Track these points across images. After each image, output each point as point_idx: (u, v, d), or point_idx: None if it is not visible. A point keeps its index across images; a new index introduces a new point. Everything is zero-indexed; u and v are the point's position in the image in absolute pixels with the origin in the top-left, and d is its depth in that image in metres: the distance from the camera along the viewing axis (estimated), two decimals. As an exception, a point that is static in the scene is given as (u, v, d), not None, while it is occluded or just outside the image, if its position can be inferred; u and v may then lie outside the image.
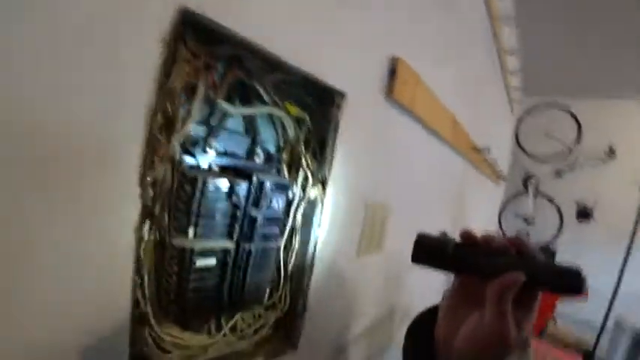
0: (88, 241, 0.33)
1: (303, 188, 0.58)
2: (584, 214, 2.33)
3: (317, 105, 0.59)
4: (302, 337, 0.65)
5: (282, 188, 0.53)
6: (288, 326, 0.64)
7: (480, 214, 2.10)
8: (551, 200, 2.54)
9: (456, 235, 0.32)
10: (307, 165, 0.58)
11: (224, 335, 0.54)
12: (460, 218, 1.56)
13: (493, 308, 0.29)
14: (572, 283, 0.28)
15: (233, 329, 0.56)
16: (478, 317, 0.31)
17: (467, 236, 0.32)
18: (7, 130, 0.27)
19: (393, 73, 0.69)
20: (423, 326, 0.36)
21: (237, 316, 0.56)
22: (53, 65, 0.28)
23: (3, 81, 0.26)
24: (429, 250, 0.32)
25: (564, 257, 2.25)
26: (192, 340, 0.50)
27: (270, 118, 0.57)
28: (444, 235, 0.34)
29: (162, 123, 0.40)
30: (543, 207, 2.57)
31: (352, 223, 0.72)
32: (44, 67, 0.28)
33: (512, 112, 2.46)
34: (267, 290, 0.59)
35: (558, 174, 2.48)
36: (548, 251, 2.24)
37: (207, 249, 0.46)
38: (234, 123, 0.53)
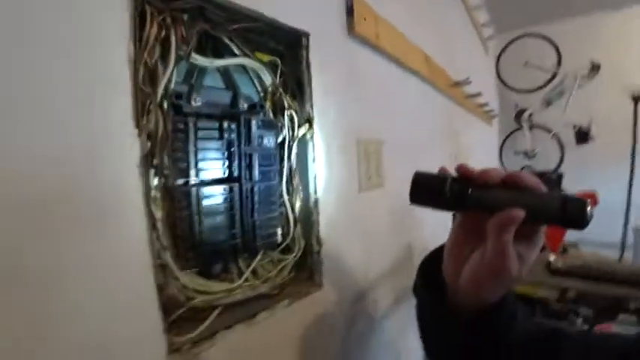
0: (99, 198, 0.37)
1: (291, 127, 0.62)
2: (582, 136, 2.34)
3: (285, 48, 0.62)
4: (324, 277, 0.68)
5: (270, 126, 0.56)
6: (308, 267, 0.68)
7: (478, 155, 2.12)
8: (548, 130, 2.55)
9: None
10: (289, 105, 0.61)
11: (246, 280, 0.58)
12: (460, 157, 1.59)
13: (493, 246, 0.28)
14: (574, 217, 0.26)
15: (254, 274, 0.59)
16: (479, 255, 0.30)
17: (463, 170, 0.30)
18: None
19: (350, 11, 0.71)
20: (434, 264, 0.36)
21: (256, 261, 0.60)
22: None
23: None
24: (427, 189, 0.31)
25: (571, 184, 2.27)
26: (215, 287, 0.53)
27: (245, 70, 0.60)
28: (443, 172, 0.32)
29: (145, 74, 0.43)
30: (541, 138, 2.59)
31: (346, 159, 0.75)
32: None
33: (487, 53, 2.47)
34: (279, 232, 0.62)
35: (548, 102, 2.49)
36: (555, 178, 2.25)
37: (211, 190, 0.49)
38: (213, 80, 0.56)
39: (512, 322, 0.33)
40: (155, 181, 0.44)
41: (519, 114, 2.60)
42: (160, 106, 0.45)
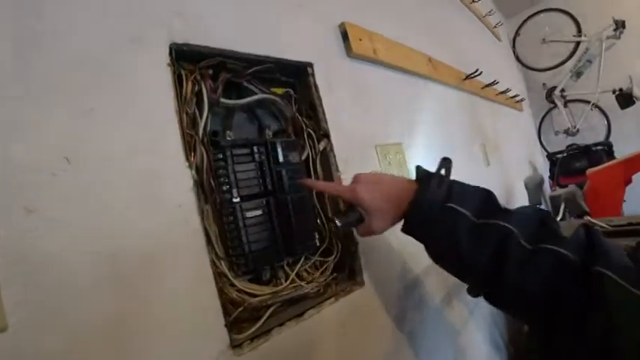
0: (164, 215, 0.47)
1: (312, 144, 0.70)
2: (625, 99, 2.16)
3: (295, 79, 0.73)
4: (365, 275, 0.73)
5: (293, 145, 0.65)
6: (348, 267, 0.73)
7: (512, 142, 2.04)
8: (586, 102, 2.40)
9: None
10: (307, 125, 0.71)
11: (292, 282, 0.64)
12: (488, 146, 1.57)
13: None
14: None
15: (299, 277, 0.66)
16: None
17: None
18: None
19: (345, 36, 0.81)
20: None
21: (299, 265, 0.66)
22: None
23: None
24: None
25: (626, 151, 2.08)
26: (266, 290, 0.60)
27: (265, 104, 0.71)
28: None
29: (188, 121, 0.55)
30: (581, 113, 2.43)
31: (369, 164, 0.81)
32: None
33: (500, 40, 2.44)
34: (317, 236, 0.69)
35: (578, 74, 2.36)
36: (603, 150, 2.08)
37: (251, 204, 0.58)
38: (241, 118, 0.68)
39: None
40: (206, 202, 0.55)
41: (550, 93, 2.49)
42: (203, 143, 0.56)
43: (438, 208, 0.38)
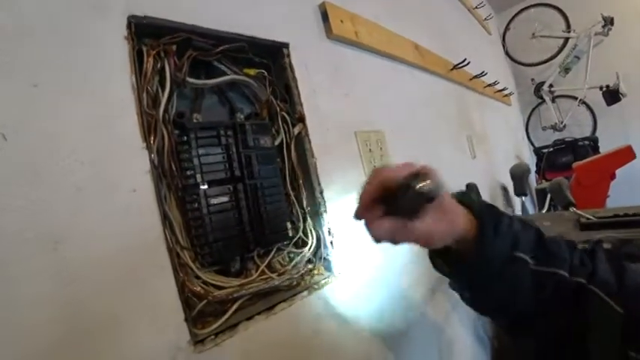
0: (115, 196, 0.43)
1: (286, 127, 0.67)
2: (612, 95, 2.17)
3: (270, 60, 0.69)
4: (341, 267, 0.69)
5: (264, 128, 0.62)
6: (323, 258, 0.70)
7: (500, 136, 2.04)
8: (573, 98, 2.41)
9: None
10: (281, 108, 0.67)
11: (263, 273, 0.60)
12: (474, 138, 1.55)
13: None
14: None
15: (270, 268, 0.62)
16: None
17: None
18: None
19: (325, 16, 0.77)
20: None
21: (271, 256, 0.62)
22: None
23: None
24: None
25: (611, 146, 2.10)
26: (233, 282, 0.56)
27: (237, 86, 0.67)
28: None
29: (149, 100, 0.51)
30: (568, 108, 2.44)
31: (347, 151, 0.78)
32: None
33: (489, 33, 2.43)
34: (289, 226, 0.65)
35: (566, 70, 2.37)
36: (588, 144, 2.09)
37: (217, 190, 0.54)
38: (210, 100, 0.63)
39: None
40: (168, 187, 0.51)
41: (538, 88, 2.49)
42: (164, 123, 0.52)
43: (506, 257, 0.33)
